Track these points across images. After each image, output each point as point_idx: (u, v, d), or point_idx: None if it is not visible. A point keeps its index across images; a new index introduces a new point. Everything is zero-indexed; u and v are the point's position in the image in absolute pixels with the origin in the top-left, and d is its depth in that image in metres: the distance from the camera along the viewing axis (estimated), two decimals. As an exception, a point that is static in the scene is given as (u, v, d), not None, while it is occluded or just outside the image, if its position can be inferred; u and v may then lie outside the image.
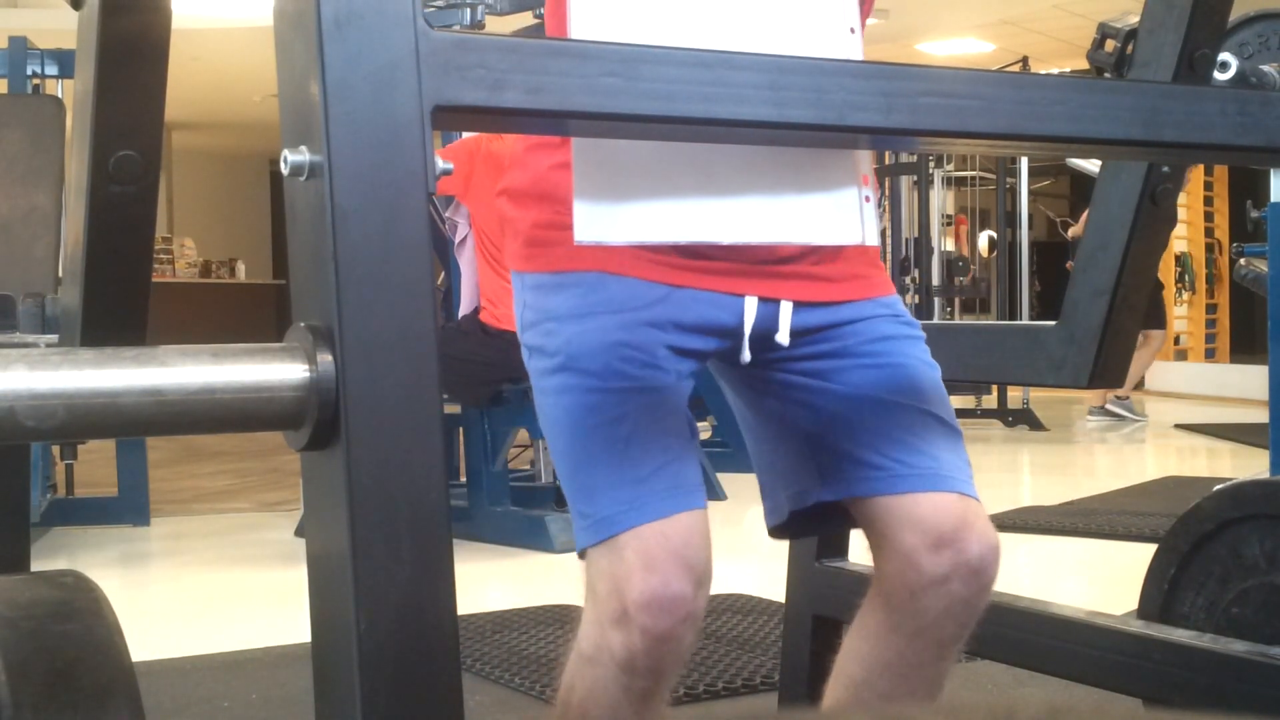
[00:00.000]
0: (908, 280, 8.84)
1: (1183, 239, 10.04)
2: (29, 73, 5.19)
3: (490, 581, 3.99)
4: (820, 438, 1.42)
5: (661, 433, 1.34)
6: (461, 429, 4.65)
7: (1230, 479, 2.66)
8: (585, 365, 1.34)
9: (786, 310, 1.39)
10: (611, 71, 0.91)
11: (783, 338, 1.38)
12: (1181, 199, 8.41)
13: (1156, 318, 8.70)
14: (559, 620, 3.28)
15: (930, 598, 1.36)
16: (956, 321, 9.40)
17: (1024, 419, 8.24)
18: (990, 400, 8.76)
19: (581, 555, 1.38)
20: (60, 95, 4.86)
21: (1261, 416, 5.81)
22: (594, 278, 1.37)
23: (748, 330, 1.39)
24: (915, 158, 8.71)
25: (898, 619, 1.39)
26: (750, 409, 1.49)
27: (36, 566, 1.50)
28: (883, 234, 8.86)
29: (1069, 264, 9.23)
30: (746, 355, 1.40)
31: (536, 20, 4.82)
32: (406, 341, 0.84)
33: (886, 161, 9.07)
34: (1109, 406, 8.69)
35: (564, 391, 1.36)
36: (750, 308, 1.38)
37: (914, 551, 1.36)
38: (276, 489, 5.97)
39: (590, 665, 1.37)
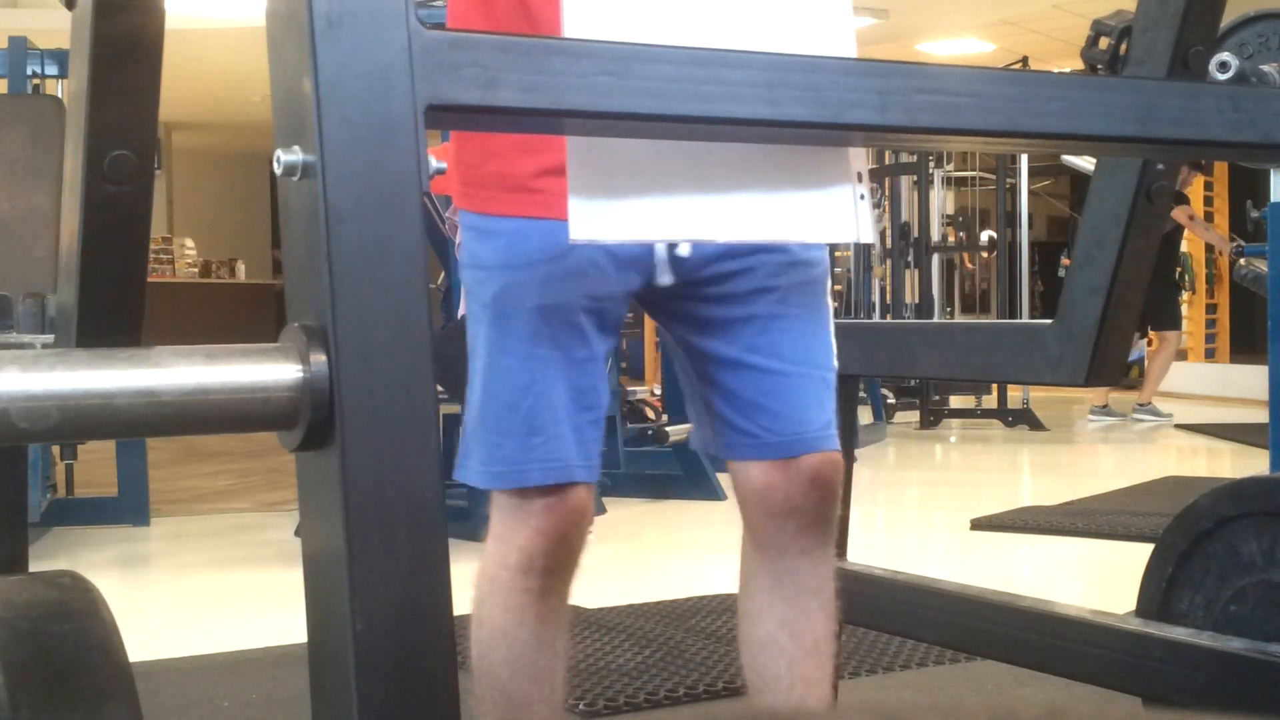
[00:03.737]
0: (907, 273, 8.89)
1: (1183, 238, 10.03)
2: (29, 73, 5.18)
3: (490, 581, 3.98)
4: (711, 402, 1.59)
5: (560, 406, 1.50)
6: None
7: (1230, 479, 2.66)
8: (509, 328, 1.49)
9: None
10: (606, 70, 0.91)
11: (683, 250, 1.50)
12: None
13: (1171, 318, 8.68)
14: (558, 620, 3.28)
15: (778, 513, 1.57)
16: (955, 321, 9.40)
17: (1024, 419, 8.24)
18: (990, 400, 8.76)
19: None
20: (60, 95, 4.86)
21: (1261, 416, 5.81)
22: (515, 226, 1.49)
23: (660, 247, 1.50)
24: (915, 157, 8.70)
25: (762, 540, 1.61)
26: (674, 359, 1.66)
27: (37, 567, 1.49)
28: (881, 234, 8.89)
29: (1064, 259, 9.21)
30: (667, 278, 1.51)
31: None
32: (401, 341, 0.84)
33: (886, 161, 9.07)
34: (1136, 415, 8.68)
35: (489, 350, 1.51)
36: None
37: (760, 480, 1.57)
38: (276, 489, 5.97)
39: (492, 581, 1.56)
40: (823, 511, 1.59)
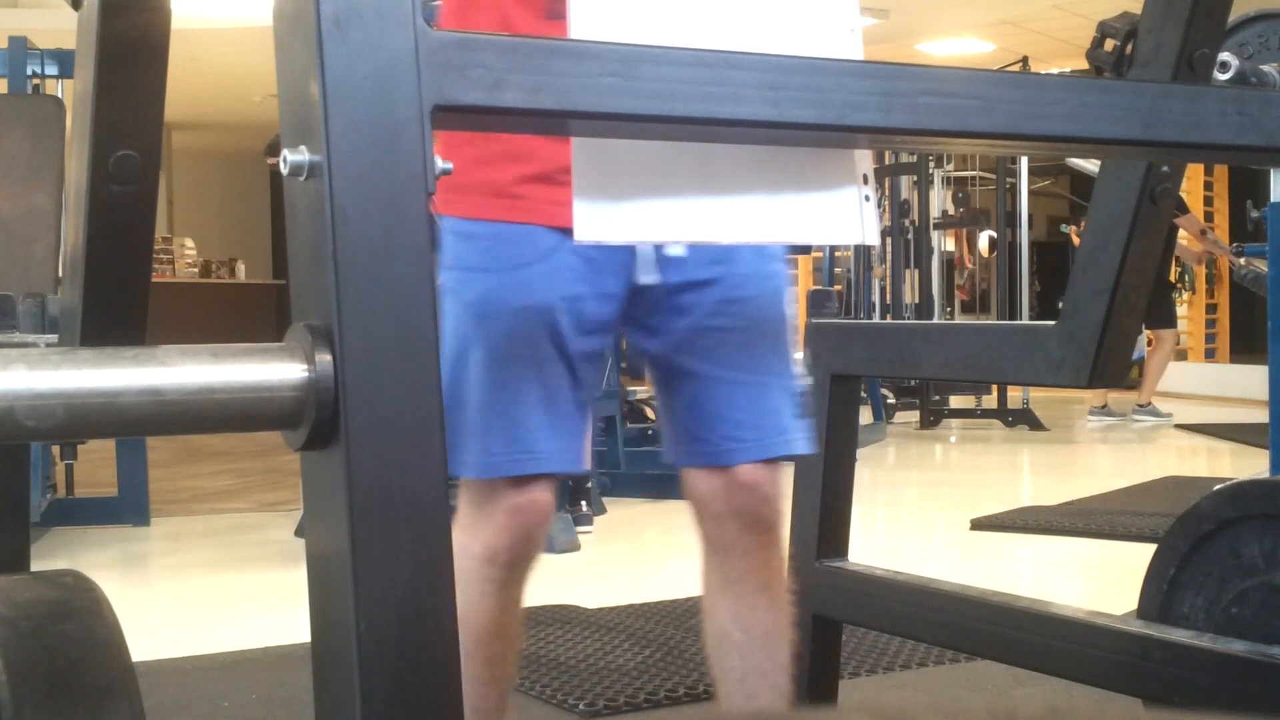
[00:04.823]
0: (907, 273, 8.91)
1: (1183, 238, 10.03)
2: (29, 73, 5.18)
3: (490, 581, 3.98)
4: (664, 409, 1.69)
5: (534, 402, 1.57)
6: (461, 429, 4.64)
7: (1230, 479, 2.66)
8: (489, 328, 1.57)
9: None
10: (611, 71, 0.91)
11: (677, 250, 1.58)
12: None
13: (1166, 317, 8.69)
14: (559, 620, 3.28)
15: (719, 515, 1.66)
16: (958, 322, 9.40)
17: (1024, 419, 8.24)
18: (990, 400, 8.76)
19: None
20: (60, 95, 4.86)
21: (1261, 416, 5.81)
22: (498, 230, 1.57)
23: (646, 247, 1.56)
24: (915, 157, 8.70)
25: (711, 539, 1.70)
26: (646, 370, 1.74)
27: (36, 566, 1.49)
28: (881, 234, 8.90)
29: (1071, 229, 9.15)
30: (651, 277, 1.58)
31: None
32: (406, 341, 0.84)
33: (886, 161, 9.07)
34: (1136, 415, 8.69)
35: (467, 347, 1.58)
36: None
37: (701, 486, 1.67)
38: (276, 489, 5.98)
39: (455, 568, 1.57)
40: (762, 514, 1.67)
